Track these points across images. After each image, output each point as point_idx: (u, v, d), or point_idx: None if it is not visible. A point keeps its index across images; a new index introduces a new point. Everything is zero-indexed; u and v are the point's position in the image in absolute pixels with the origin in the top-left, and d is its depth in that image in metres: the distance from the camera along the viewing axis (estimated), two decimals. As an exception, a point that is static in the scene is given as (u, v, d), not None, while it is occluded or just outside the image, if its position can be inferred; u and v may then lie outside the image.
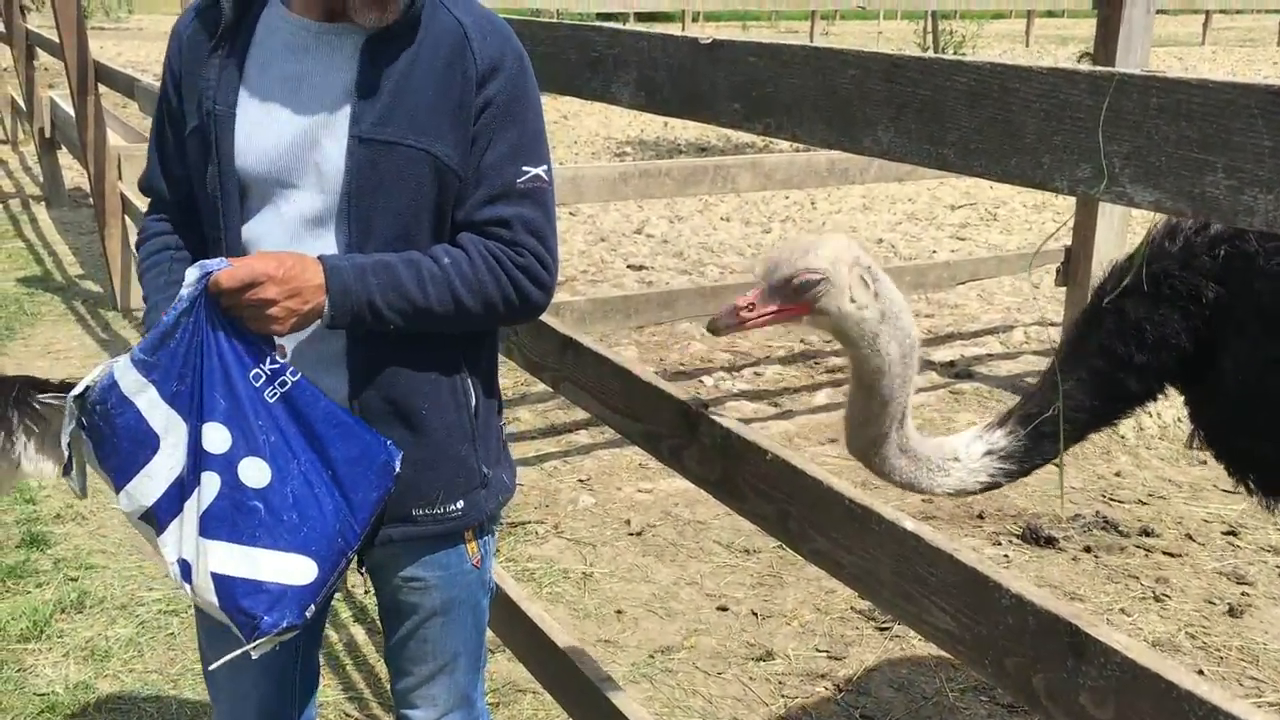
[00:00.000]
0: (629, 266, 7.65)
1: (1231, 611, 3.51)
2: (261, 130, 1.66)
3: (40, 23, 13.66)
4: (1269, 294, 2.00)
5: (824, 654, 3.31)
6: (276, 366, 1.61)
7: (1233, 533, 4.02)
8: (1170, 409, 5.04)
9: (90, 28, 7.05)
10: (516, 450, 4.70)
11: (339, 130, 1.65)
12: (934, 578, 1.46)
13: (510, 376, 5.44)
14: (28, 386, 1.94)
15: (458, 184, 1.70)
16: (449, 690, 1.94)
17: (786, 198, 9.80)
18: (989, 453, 2.12)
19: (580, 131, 13.47)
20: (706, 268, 7.65)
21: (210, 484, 1.58)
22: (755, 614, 3.52)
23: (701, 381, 5.53)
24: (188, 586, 1.62)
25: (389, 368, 1.72)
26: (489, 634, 2.06)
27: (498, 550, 3.88)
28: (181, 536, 1.62)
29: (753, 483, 1.78)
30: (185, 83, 1.72)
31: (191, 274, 1.57)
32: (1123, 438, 4.83)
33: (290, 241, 1.68)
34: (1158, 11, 4.68)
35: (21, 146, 12.08)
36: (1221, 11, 20.54)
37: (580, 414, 5.01)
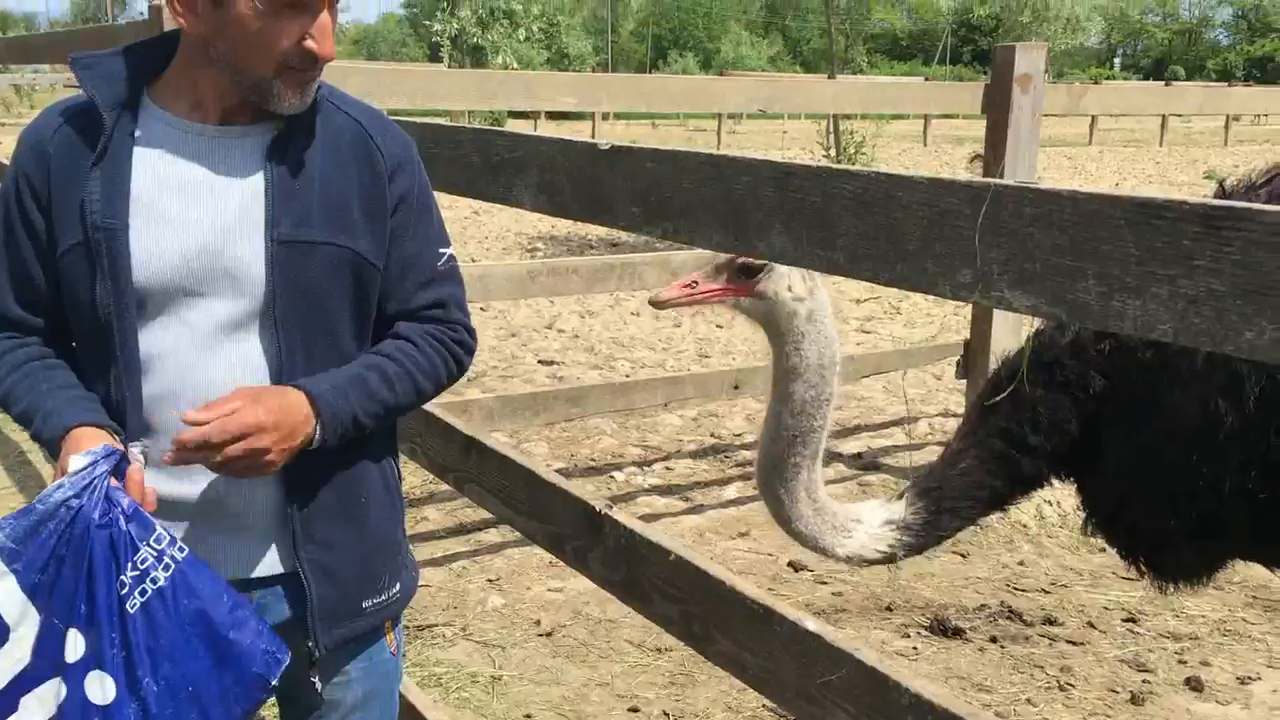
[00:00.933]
0: (540, 362, 7.66)
1: (1134, 699, 3.56)
2: (163, 241, 1.61)
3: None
4: (1144, 385, 2.09)
5: (736, 754, 3.27)
6: (150, 563, 1.51)
7: (1133, 619, 4.10)
8: (1070, 497, 5.15)
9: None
10: (424, 551, 4.61)
11: (254, 234, 1.62)
12: (836, 679, 1.46)
13: (418, 475, 5.36)
14: None
15: (376, 276, 1.73)
16: None
17: (696, 292, 9.93)
18: (889, 522, 2.18)
19: (491, 227, 13.55)
20: (617, 362, 7.69)
21: (56, 693, 1.49)
22: (667, 714, 3.47)
23: (612, 476, 5.51)
24: None
25: (326, 467, 1.71)
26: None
27: (403, 655, 3.78)
28: None
29: (657, 584, 1.77)
30: (56, 199, 1.62)
31: (78, 461, 1.50)
32: (1025, 526, 4.92)
33: (203, 351, 1.63)
34: (1044, 115, 4.90)
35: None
36: (1106, 115, 21.65)
37: (485, 510, 4.95)
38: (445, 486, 5.04)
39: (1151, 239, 1.05)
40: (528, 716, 3.45)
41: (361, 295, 1.72)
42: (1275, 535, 2.16)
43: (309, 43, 1.58)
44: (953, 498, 2.23)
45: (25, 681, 1.50)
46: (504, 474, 2.13)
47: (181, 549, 1.55)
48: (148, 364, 1.63)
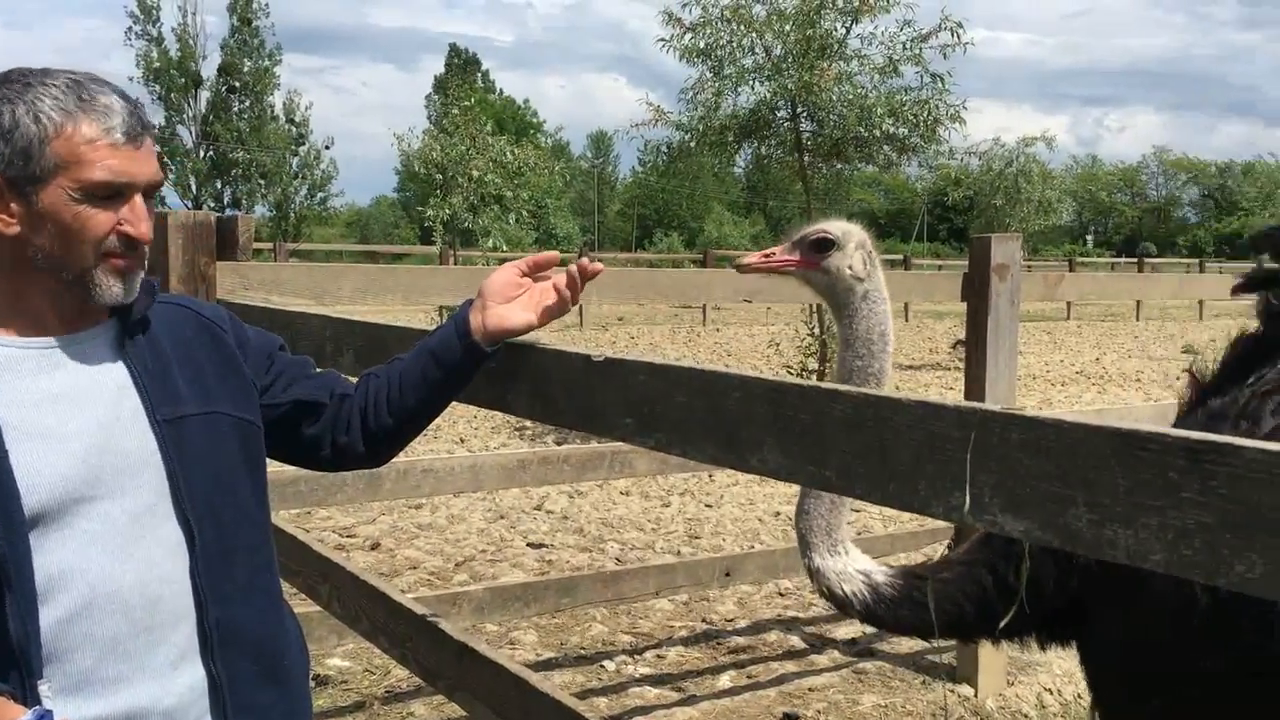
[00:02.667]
0: (529, 545, 7.58)
1: None
2: (47, 456, 1.57)
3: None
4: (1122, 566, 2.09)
5: None
6: None
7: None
8: (1070, 685, 5.07)
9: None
10: (409, 749, 4.46)
11: (135, 424, 1.65)
12: None
13: (406, 668, 5.24)
14: None
15: (258, 433, 1.80)
16: None
17: (685, 469, 9.93)
18: (864, 573, 2.28)
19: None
20: (607, 544, 7.62)
21: None
22: None
23: (603, 666, 5.39)
24: None
25: (250, 633, 1.72)
26: None
27: None
28: None
29: (653, 804, 1.72)
30: None
31: None
32: (1026, 716, 4.80)
33: (112, 557, 1.59)
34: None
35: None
36: (1078, 299, 22.24)
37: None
38: (432, 680, 4.93)
39: (1138, 470, 1.07)
40: None
41: (250, 455, 1.78)
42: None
43: (125, 227, 1.62)
44: (924, 594, 2.24)
45: None
46: (496, 682, 2.10)
47: None
48: (48, 588, 1.55)
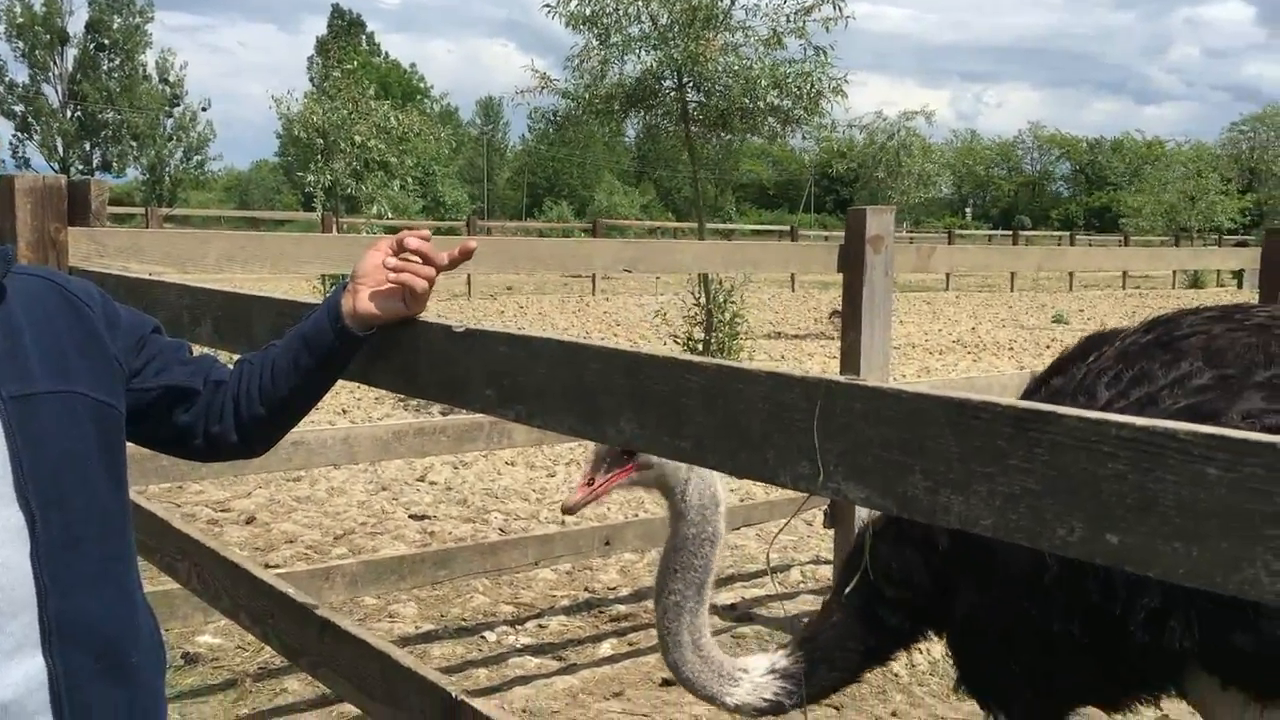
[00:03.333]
0: (411, 516, 7.50)
1: None
2: None
3: None
4: (978, 550, 2.18)
5: None
6: None
7: (1003, 769, 4.13)
8: (939, 645, 5.23)
9: None
10: (283, 726, 4.40)
11: None
12: None
13: (268, 645, 5.15)
14: None
15: (118, 417, 1.72)
16: None
17: (570, 441, 9.94)
18: (772, 670, 2.30)
19: (363, 377, 13.40)
20: (491, 515, 7.59)
21: None
22: None
23: (483, 637, 5.38)
24: None
25: (90, 627, 1.64)
26: None
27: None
28: None
29: (515, 774, 1.73)
30: None
31: None
32: (896, 676, 4.94)
33: None
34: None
35: None
36: (950, 270, 22.89)
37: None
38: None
39: (970, 438, 1.10)
40: None
41: (107, 440, 1.71)
42: (1103, 680, 2.24)
43: None
44: (826, 648, 2.33)
45: None
46: (359, 658, 2.07)
47: None
48: None
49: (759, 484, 8.58)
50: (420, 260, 1.85)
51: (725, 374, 1.37)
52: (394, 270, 1.83)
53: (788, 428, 1.29)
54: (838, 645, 2.35)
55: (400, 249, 1.88)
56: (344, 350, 1.88)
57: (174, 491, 7.55)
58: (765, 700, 2.27)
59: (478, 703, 1.81)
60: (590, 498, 2.23)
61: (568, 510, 2.28)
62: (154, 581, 3.33)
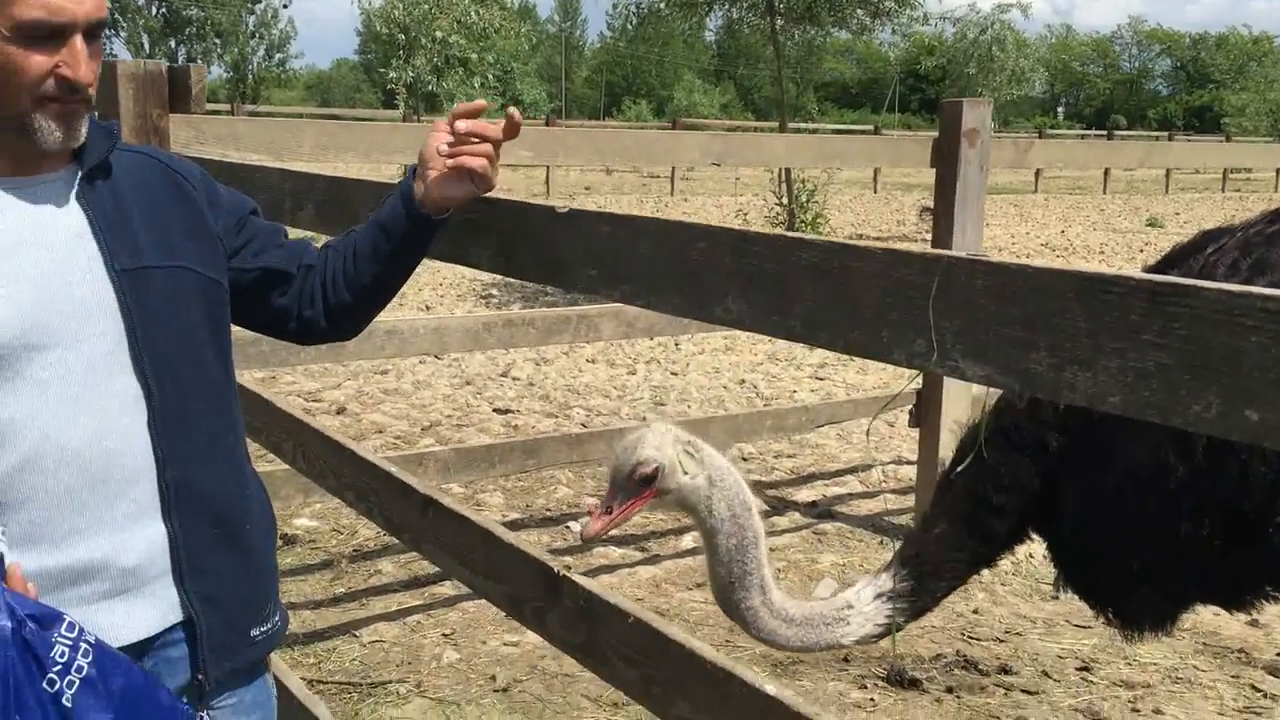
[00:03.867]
0: (495, 410, 7.62)
1: (1089, 748, 3.58)
2: None
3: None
4: (1099, 439, 2.16)
5: (695, 811, 3.24)
6: (68, 654, 1.46)
7: (1086, 668, 4.13)
8: (1022, 546, 5.21)
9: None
10: (378, 605, 4.56)
11: (91, 272, 1.60)
12: (796, 744, 1.46)
13: (372, 528, 5.30)
14: None
15: (222, 293, 1.76)
16: None
17: (651, 340, 9.97)
18: (879, 595, 2.29)
19: (446, 273, 13.53)
20: (573, 410, 7.68)
21: None
22: (625, 771, 3.43)
23: (568, 527, 5.48)
24: None
25: (210, 496, 1.70)
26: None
27: (356, 713, 3.72)
28: None
29: (616, 647, 1.76)
30: None
31: None
32: (978, 575, 4.94)
33: (63, 407, 1.56)
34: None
35: None
36: (1047, 166, 22.17)
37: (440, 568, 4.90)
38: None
39: (1100, 313, 1.07)
40: (483, 776, 3.40)
41: (213, 314, 1.75)
42: (1229, 579, 2.23)
43: (63, 70, 1.55)
44: (932, 561, 2.32)
45: None
46: (461, 534, 2.12)
47: (90, 632, 1.51)
48: None
49: (838, 384, 8.55)
50: (477, 139, 1.80)
51: (838, 251, 1.35)
52: (451, 155, 1.79)
53: (904, 305, 1.26)
54: (944, 556, 2.34)
55: (459, 119, 1.82)
56: (421, 235, 1.86)
57: (267, 382, 7.75)
58: (880, 625, 2.28)
59: (579, 577, 1.84)
60: (609, 526, 2.15)
61: (587, 539, 2.21)
62: (256, 464, 3.44)
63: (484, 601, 4.53)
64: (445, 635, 4.32)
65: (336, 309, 1.89)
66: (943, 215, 4.89)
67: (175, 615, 1.69)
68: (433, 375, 8.51)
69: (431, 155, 1.80)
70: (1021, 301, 1.14)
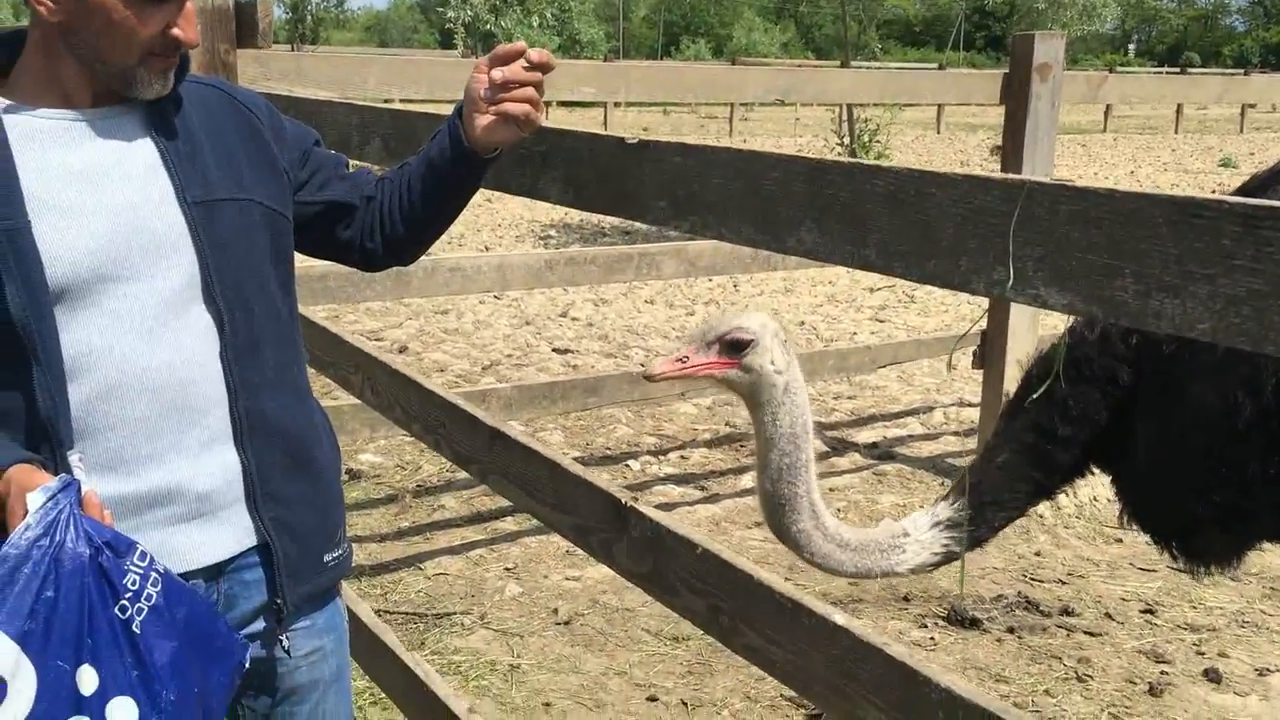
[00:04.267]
0: (554, 350, 7.66)
1: (1152, 690, 3.56)
2: (69, 233, 1.55)
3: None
4: (1169, 377, 2.13)
5: (755, 743, 3.28)
6: (138, 582, 1.51)
7: (1150, 611, 4.10)
8: (1085, 487, 5.15)
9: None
10: (441, 539, 4.64)
11: (164, 205, 1.62)
12: (865, 673, 1.46)
13: (435, 464, 5.39)
14: None
15: (287, 225, 1.77)
16: None
17: (710, 281, 9.93)
18: (936, 524, 2.25)
19: (505, 214, 13.56)
20: (631, 350, 7.69)
21: None
22: (685, 704, 3.48)
23: (628, 465, 5.53)
24: None
25: (279, 424, 1.74)
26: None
27: (422, 642, 3.80)
28: None
29: (683, 577, 1.78)
30: None
31: (37, 499, 1.47)
32: (1041, 517, 4.91)
33: (139, 338, 1.59)
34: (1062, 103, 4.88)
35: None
36: (1124, 103, 21.53)
37: (507, 500, 4.97)
38: (463, 475, 5.06)
39: (1190, 238, 1.04)
40: (546, 705, 3.47)
41: (279, 246, 1.76)
42: None
43: (175, 31, 1.57)
44: (993, 490, 2.30)
45: None
46: (528, 466, 2.14)
47: (159, 562, 1.55)
48: (76, 365, 1.57)
49: (899, 326, 8.47)
50: (517, 85, 1.72)
51: (915, 178, 1.32)
52: (492, 102, 1.73)
53: (983, 232, 1.24)
54: (1006, 486, 2.31)
55: (497, 61, 1.74)
56: (471, 173, 1.83)
57: (330, 320, 7.85)
58: (936, 554, 2.24)
59: (647, 508, 1.85)
60: (676, 374, 2.08)
61: (649, 377, 2.09)
62: (321, 399, 3.50)
63: (545, 537, 4.61)
64: (507, 569, 4.40)
65: (394, 240, 1.90)
66: (1011, 153, 4.79)
67: (250, 540, 1.73)
68: (492, 315, 8.56)
69: (474, 98, 1.74)
70: (1107, 227, 1.12)
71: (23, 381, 1.54)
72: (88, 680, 1.47)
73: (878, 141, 13.20)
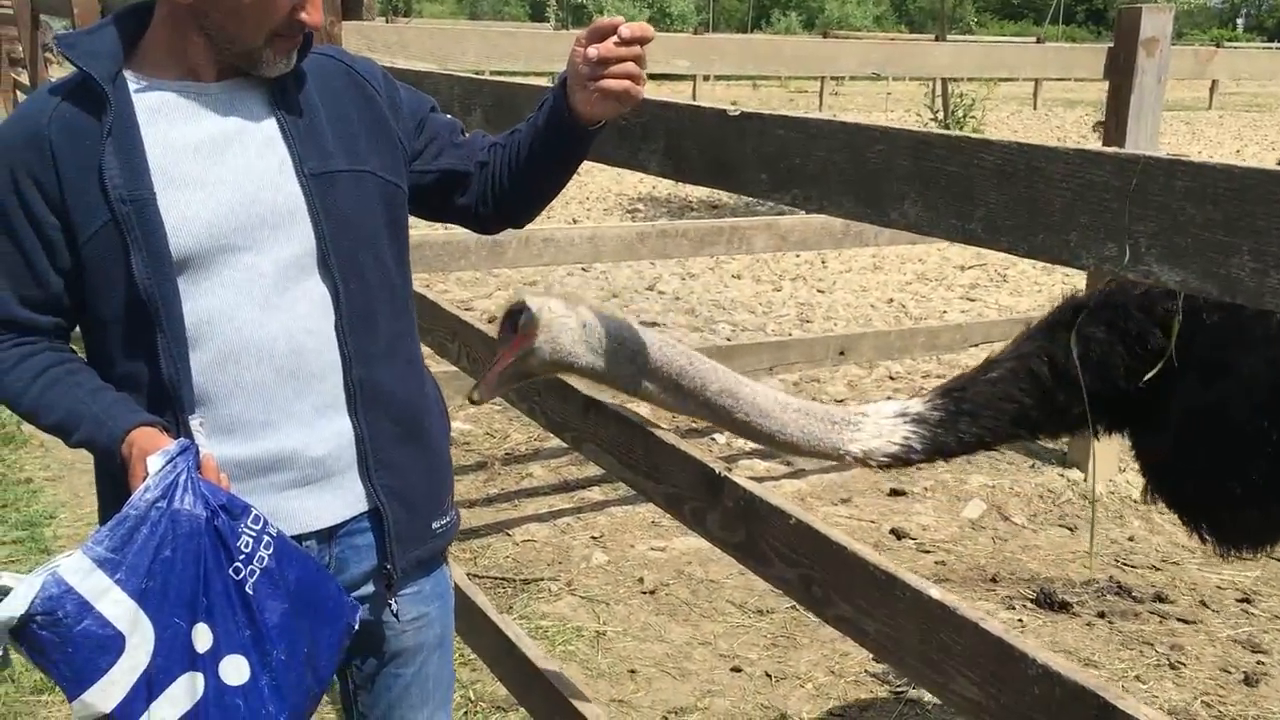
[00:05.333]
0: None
1: (1247, 680, 3.48)
2: (192, 204, 1.60)
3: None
4: (1212, 348, 2.04)
5: (839, 718, 3.29)
6: (252, 544, 1.57)
7: (1247, 600, 4.00)
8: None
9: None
10: (529, 507, 4.71)
11: (282, 176, 1.66)
12: (959, 646, 1.47)
13: (524, 432, 5.46)
14: None
15: (401, 196, 1.80)
16: None
17: (798, 256, 9.87)
18: (902, 414, 2.08)
19: (593, 188, 13.61)
20: (718, 325, 7.69)
21: (194, 685, 1.54)
22: (769, 675, 3.50)
23: (714, 439, 5.54)
24: None
25: (392, 392, 1.78)
26: (504, 692, 2.08)
27: (510, 607, 3.87)
28: None
29: (776, 547, 1.79)
30: (71, 185, 1.57)
31: (156, 462, 1.53)
32: (1135, 502, 4.82)
33: (257, 308, 1.64)
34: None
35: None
36: (1232, 80, 20.76)
37: (593, 470, 5.02)
38: (551, 444, 5.14)
39: (1313, 215, 1.03)
40: (631, 672, 3.52)
41: (393, 218, 1.79)
42: None
43: (303, 14, 1.62)
44: (976, 402, 2.12)
45: (154, 685, 1.52)
46: (622, 434, 2.17)
47: (272, 525, 1.61)
48: (197, 333, 1.62)
49: (990, 305, 8.33)
50: (615, 60, 1.71)
51: (1024, 152, 1.31)
52: (591, 78, 1.72)
53: (1094, 207, 1.23)
54: (990, 402, 2.12)
55: (595, 36, 1.73)
56: (577, 143, 1.83)
57: (422, 289, 7.97)
58: (893, 444, 2.04)
59: (740, 478, 1.87)
60: (496, 382, 2.03)
61: (477, 403, 2.05)
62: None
63: (631, 507, 4.66)
64: (594, 538, 4.45)
65: (505, 206, 1.93)
66: (1115, 130, 4.67)
67: (361, 505, 1.78)
68: (580, 287, 8.62)
69: (574, 72, 1.74)
70: (1225, 203, 1.10)
71: (147, 348, 1.61)
72: (203, 638, 1.54)
73: (972, 117, 12.95)
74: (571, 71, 1.75)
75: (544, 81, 1.87)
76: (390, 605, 1.84)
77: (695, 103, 1.89)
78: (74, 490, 4.73)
